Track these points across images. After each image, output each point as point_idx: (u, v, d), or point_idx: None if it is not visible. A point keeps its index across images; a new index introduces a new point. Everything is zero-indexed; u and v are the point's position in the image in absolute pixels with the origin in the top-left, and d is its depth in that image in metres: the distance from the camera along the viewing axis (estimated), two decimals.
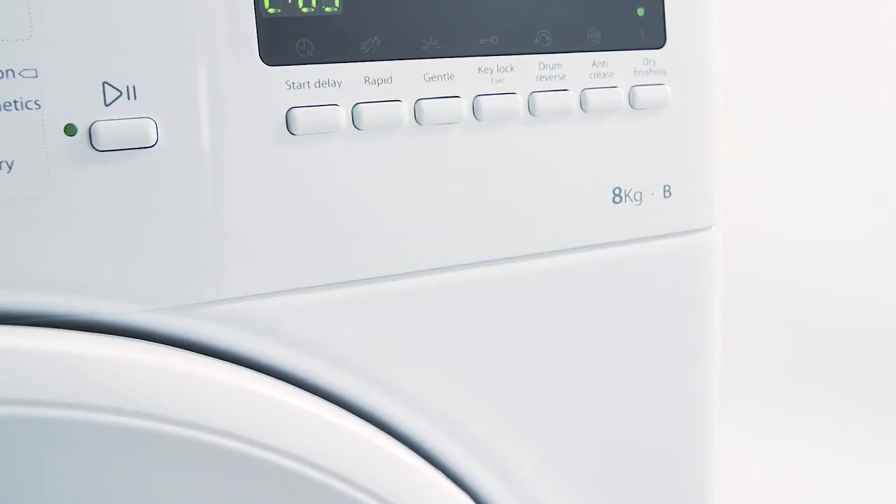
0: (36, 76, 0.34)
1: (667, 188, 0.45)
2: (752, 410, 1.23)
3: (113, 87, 0.35)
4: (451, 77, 0.40)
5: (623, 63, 0.43)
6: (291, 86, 0.37)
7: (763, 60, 1.22)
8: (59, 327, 0.35)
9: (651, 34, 0.44)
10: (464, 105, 0.40)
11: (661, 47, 0.44)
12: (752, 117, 1.22)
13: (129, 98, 0.35)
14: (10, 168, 0.34)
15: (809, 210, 1.28)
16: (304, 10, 0.37)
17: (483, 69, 0.41)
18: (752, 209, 1.23)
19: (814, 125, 1.27)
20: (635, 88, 0.43)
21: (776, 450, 1.19)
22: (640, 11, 0.43)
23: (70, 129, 0.34)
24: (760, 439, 1.20)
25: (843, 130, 1.28)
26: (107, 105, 0.35)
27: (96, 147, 0.35)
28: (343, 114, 0.38)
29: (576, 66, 0.42)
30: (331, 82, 0.38)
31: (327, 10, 0.38)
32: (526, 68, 0.41)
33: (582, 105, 0.43)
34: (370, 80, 0.39)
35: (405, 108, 0.39)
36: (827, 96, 1.26)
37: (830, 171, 1.29)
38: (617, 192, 0.44)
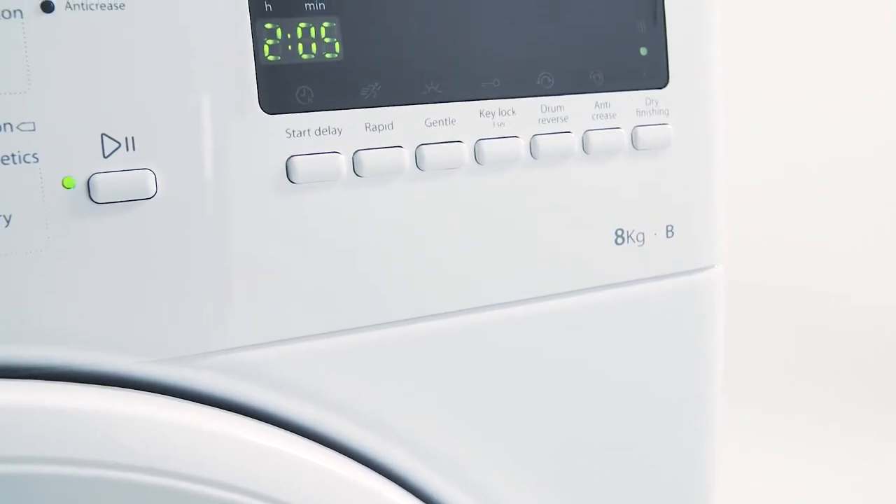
0: (34, 129, 0.34)
1: (669, 228, 0.45)
2: (753, 410, 1.23)
3: (111, 138, 0.35)
4: (452, 122, 0.40)
5: (626, 103, 0.43)
6: (291, 134, 0.37)
7: (765, 62, 1.21)
8: (60, 380, 0.35)
9: (654, 74, 0.43)
10: (465, 150, 0.40)
11: (663, 87, 0.44)
12: (753, 119, 1.22)
13: (127, 149, 0.35)
14: (7, 222, 0.34)
15: (811, 212, 1.28)
16: (305, 56, 0.37)
17: (485, 113, 0.40)
18: (753, 211, 1.23)
19: (816, 127, 1.26)
20: (638, 129, 0.43)
21: (776, 450, 1.19)
22: (643, 51, 0.43)
23: (69, 182, 0.34)
24: (760, 439, 1.20)
25: (846, 132, 1.27)
26: (105, 157, 0.35)
27: (95, 199, 0.34)
28: (344, 161, 0.38)
29: (578, 108, 0.42)
30: (331, 129, 0.38)
31: (328, 56, 0.37)
32: (528, 111, 0.41)
33: (584, 147, 0.42)
34: (371, 127, 0.38)
35: (406, 154, 0.39)
36: (829, 98, 1.26)
37: (831, 172, 1.28)
38: (619, 233, 0.44)
